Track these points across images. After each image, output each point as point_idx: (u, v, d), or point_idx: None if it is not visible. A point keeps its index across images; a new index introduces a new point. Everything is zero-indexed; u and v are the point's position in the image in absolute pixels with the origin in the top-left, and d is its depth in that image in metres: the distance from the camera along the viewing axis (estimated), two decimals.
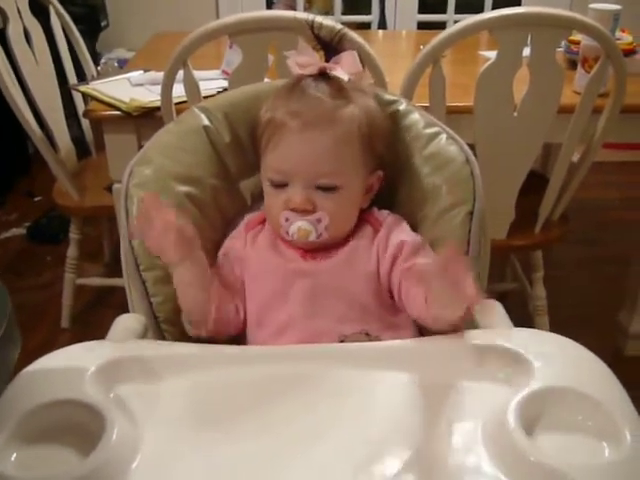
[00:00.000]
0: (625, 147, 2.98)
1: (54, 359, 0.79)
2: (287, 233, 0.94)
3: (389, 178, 1.02)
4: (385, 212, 1.00)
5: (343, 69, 0.92)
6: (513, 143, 1.56)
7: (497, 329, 0.86)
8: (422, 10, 3.20)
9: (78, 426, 0.70)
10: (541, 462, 0.64)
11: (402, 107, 1.03)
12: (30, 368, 0.76)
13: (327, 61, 0.94)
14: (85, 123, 2.20)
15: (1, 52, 1.82)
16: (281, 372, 0.82)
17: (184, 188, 0.98)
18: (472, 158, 0.98)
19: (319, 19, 0.97)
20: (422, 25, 3.15)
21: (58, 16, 2.11)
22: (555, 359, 0.78)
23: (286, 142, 0.91)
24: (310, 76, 0.93)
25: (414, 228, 1.00)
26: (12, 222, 2.77)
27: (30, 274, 2.42)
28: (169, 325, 0.95)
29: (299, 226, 0.92)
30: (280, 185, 0.93)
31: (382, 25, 3.15)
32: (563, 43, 1.86)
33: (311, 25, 0.94)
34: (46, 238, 2.61)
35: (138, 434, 0.71)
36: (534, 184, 1.71)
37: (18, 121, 1.88)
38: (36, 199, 2.91)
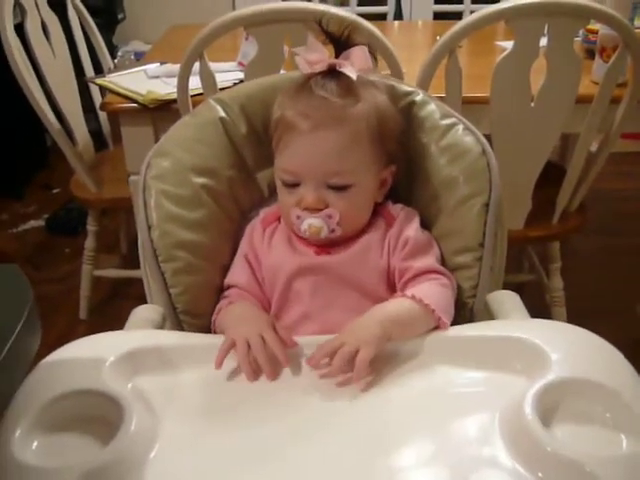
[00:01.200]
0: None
1: (73, 349, 0.80)
2: (299, 230, 0.95)
3: (405, 170, 1.01)
4: (399, 206, 1.00)
5: (353, 65, 0.91)
6: (530, 133, 1.55)
7: (514, 320, 0.86)
8: (438, 0, 3.19)
9: (97, 416, 0.71)
10: (558, 453, 0.64)
11: (418, 98, 1.02)
12: (49, 358, 0.78)
13: (337, 56, 0.93)
14: (102, 116, 2.22)
15: (19, 45, 1.83)
16: (300, 363, 0.83)
17: (201, 180, 0.98)
18: (488, 149, 0.98)
19: (330, 11, 0.96)
20: (438, 15, 3.14)
21: (75, 9, 2.13)
22: (572, 350, 0.78)
23: (295, 144, 0.92)
24: (319, 73, 0.92)
25: (430, 220, 1.01)
26: (30, 214, 2.79)
27: (48, 266, 2.44)
28: (188, 316, 0.96)
29: (310, 223, 0.93)
30: (292, 185, 0.94)
31: (398, 16, 3.14)
32: (581, 32, 1.84)
33: (319, 20, 0.93)
34: (64, 230, 2.63)
35: (156, 425, 0.72)
36: (551, 175, 1.70)
37: (36, 114, 1.89)
38: (54, 191, 2.93)
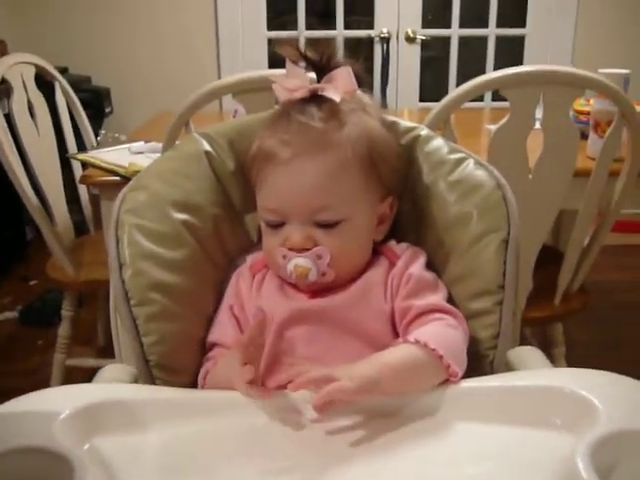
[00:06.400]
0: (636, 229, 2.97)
1: (20, 403, 0.67)
2: (285, 273, 0.84)
3: (409, 208, 0.93)
4: (404, 245, 0.90)
5: (337, 89, 0.83)
6: (529, 208, 1.47)
7: (543, 369, 0.74)
8: (423, 98, 3.25)
9: None
10: None
11: (423, 133, 0.94)
12: None
13: (319, 81, 0.85)
14: (85, 203, 2.15)
15: (3, 123, 1.78)
16: (281, 421, 0.71)
17: (182, 216, 0.88)
18: (503, 182, 0.89)
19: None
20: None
21: (61, 88, 2.08)
22: (622, 399, 0.66)
23: (275, 177, 0.83)
24: (300, 100, 0.84)
25: (441, 264, 0.90)
26: (5, 305, 2.68)
27: (18, 358, 2.32)
28: (163, 371, 0.83)
29: (296, 263, 0.82)
30: (276, 225, 0.85)
31: (383, 106, 3.19)
32: (571, 113, 1.83)
33: (296, 46, 0.84)
34: (38, 321, 2.52)
35: None
36: (547, 256, 1.64)
37: (18, 206, 1.81)
38: (31, 283, 2.83)
